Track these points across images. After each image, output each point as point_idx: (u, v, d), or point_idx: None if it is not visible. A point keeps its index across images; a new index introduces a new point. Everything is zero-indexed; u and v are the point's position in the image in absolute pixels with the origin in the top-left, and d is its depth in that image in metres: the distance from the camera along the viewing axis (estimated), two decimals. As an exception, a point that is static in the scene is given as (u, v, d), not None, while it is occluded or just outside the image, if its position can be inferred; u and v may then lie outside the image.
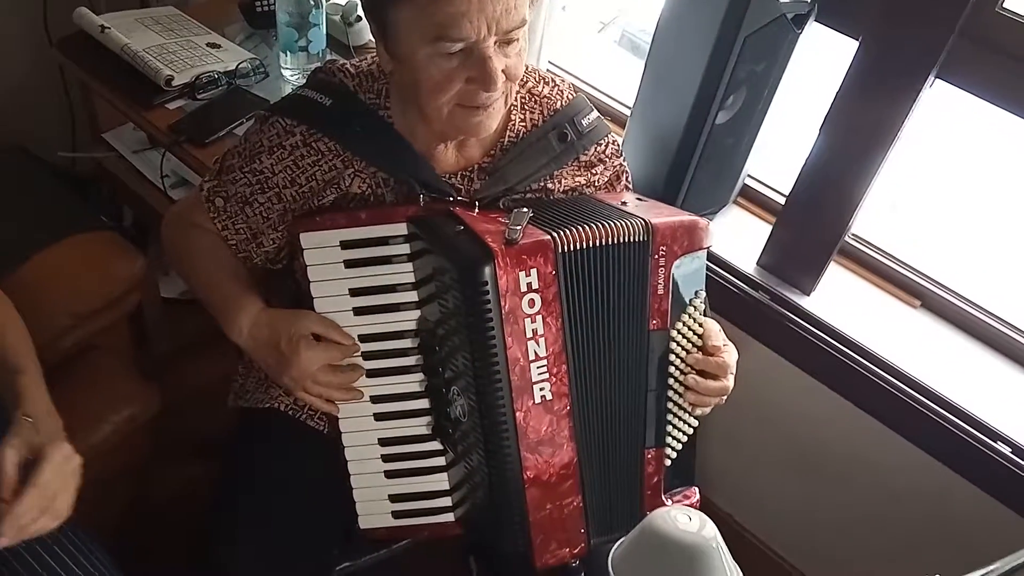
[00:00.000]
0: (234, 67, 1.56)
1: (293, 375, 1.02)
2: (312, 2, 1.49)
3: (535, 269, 0.95)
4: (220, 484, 1.16)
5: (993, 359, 1.41)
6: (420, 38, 0.91)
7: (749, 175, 1.63)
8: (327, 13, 1.61)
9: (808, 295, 1.48)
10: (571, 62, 1.81)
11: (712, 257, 1.53)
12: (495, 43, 0.92)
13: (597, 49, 2.12)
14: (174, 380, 1.64)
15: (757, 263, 1.52)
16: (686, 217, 1.06)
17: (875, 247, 1.53)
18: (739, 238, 1.56)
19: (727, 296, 1.50)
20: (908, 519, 1.45)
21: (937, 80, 1.28)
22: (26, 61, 1.92)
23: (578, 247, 0.98)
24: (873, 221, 1.53)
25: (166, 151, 1.47)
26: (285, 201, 1.08)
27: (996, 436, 1.28)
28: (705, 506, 1.73)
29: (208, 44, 1.62)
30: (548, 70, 1.72)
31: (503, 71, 0.94)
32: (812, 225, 1.43)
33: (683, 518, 0.67)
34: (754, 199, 1.64)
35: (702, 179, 1.48)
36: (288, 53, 1.55)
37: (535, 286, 0.95)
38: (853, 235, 1.54)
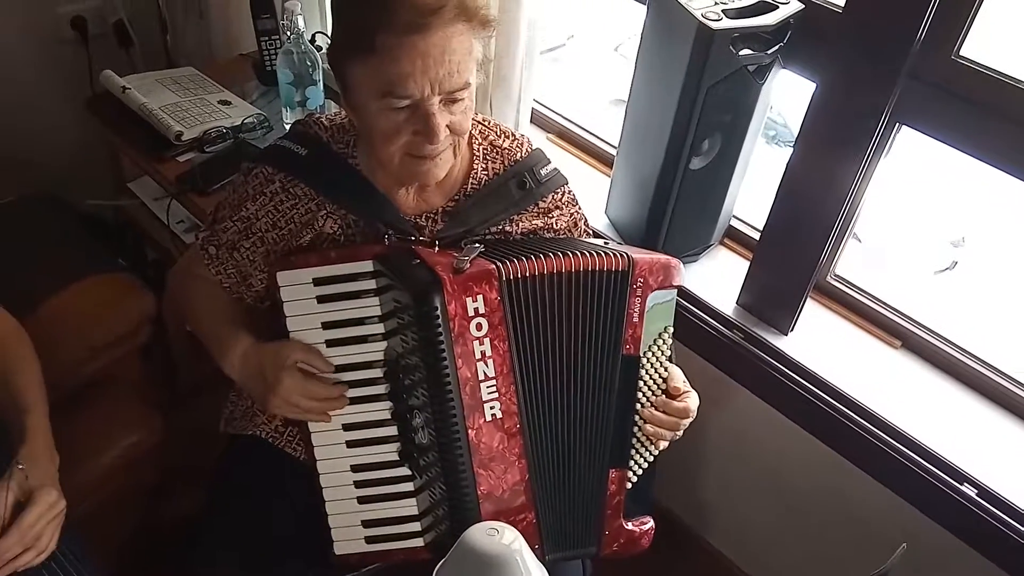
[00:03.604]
0: (240, 122, 1.68)
1: (276, 402, 1.10)
2: (309, 63, 1.60)
3: (481, 295, 1.03)
4: (203, 504, 1.23)
5: (973, 401, 1.40)
6: (372, 92, 1.01)
7: (735, 216, 1.67)
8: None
9: (786, 335, 1.49)
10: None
11: (690, 297, 1.57)
12: (440, 101, 1.01)
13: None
14: (196, 410, 1.73)
15: (736, 302, 1.54)
16: (662, 256, 1.15)
17: (857, 287, 1.53)
18: (722, 277, 1.58)
19: (704, 335, 1.52)
20: (880, 559, 1.44)
21: (903, 127, 1.32)
22: (72, 118, 2.07)
23: (524, 275, 1.05)
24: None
25: (172, 199, 1.60)
26: (268, 244, 1.17)
27: (963, 478, 1.27)
28: (697, 543, 1.77)
29: (220, 101, 1.75)
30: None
31: (448, 126, 1.03)
32: (784, 264, 1.45)
33: (492, 531, 0.73)
34: (740, 240, 1.67)
35: (681, 221, 1.53)
36: (289, 108, 1.66)
37: (482, 311, 1.03)
38: (836, 275, 1.57)
